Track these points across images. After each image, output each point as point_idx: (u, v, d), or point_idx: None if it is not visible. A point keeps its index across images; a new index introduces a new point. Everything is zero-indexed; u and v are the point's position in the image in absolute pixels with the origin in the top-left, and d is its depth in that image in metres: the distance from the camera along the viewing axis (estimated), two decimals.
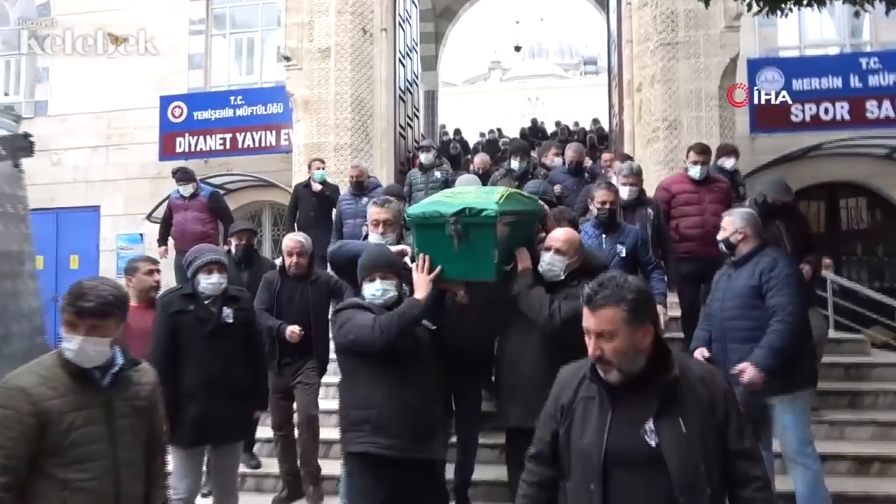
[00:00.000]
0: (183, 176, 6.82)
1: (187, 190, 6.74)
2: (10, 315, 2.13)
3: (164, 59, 10.44)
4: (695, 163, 5.21)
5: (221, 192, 10.40)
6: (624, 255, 4.41)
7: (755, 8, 5.04)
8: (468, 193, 3.10)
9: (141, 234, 10.56)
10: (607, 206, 4.48)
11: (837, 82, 8.59)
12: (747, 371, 3.38)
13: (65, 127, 11.03)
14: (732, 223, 3.76)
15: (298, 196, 7.11)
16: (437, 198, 3.08)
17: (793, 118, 8.63)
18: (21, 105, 11.42)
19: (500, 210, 2.72)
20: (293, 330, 4.20)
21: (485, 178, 6.50)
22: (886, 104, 8.47)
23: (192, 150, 10.21)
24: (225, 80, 11.10)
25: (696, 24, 7.07)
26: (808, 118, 8.62)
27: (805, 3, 4.93)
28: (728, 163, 6.12)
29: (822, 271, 5.29)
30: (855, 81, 8.55)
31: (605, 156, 7.61)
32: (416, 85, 10.45)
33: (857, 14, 5.05)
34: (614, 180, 5.23)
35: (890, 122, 8.49)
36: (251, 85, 10.88)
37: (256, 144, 10.02)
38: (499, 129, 16.99)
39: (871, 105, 8.49)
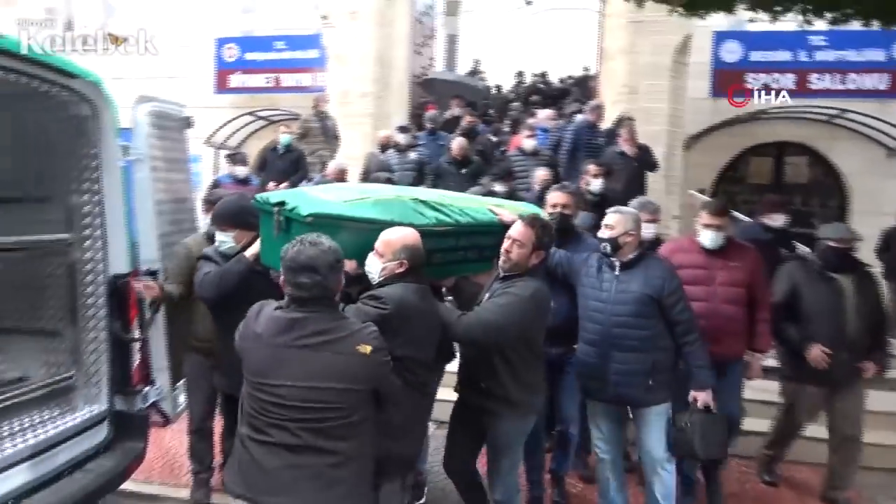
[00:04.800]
0: (242, 158, 7.33)
1: (243, 171, 7.10)
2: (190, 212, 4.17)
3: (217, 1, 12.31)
4: (707, 226, 3.81)
5: (265, 122, 12.47)
6: None
7: (679, 11, 6.66)
8: (348, 191, 3.16)
9: (198, 155, 12.62)
10: (559, 209, 3.81)
11: (787, 55, 10.07)
12: (701, 398, 3.31)
13: (131, 58, 12.84)
14: (623, 222, 3.39)
15: (266, 159, 7.80)
16: (308, 189, 3.28)
17: (747, 85, 10.15)
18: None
19: (314, 212, 2.63)
20: None
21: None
22: (828, 77, 9.95)
23: (243, 86, 12.12)
24: (269, 25, 12.81)
25: (659, 6, 8.52)
26: (760, 85, 10.13)
27: (716, 7, 6.53)
28: (777, 220, 4.98)
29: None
30: (803, 56, 10.02)
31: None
32: (433, 38, 12.07)
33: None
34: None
35: (830, 92, 10.00)
36: (290, 31, 12.58)
37: (296, 84, 11.84)
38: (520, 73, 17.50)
39: (814, 77, 9.98)
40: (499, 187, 5.72)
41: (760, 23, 10.66)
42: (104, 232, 3.35)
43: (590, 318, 3.42)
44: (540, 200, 5.58)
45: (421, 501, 3.98)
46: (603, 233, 3.43)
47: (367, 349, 2.25)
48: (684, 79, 9.06)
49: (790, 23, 9.87)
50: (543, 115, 8.95)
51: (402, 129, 7.47)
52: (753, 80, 10.16)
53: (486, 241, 3.13)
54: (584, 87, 14.31)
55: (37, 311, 3.50)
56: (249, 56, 12.05)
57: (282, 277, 2.28)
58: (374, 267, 2.72)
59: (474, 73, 16.42)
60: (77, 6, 13.45)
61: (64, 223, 3.36)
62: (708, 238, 3.80)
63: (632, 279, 3.33)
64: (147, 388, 3.45)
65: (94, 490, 3.02)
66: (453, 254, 3.21)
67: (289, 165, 7.89)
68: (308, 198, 2.86)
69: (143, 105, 3.58)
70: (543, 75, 16.12)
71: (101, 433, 3.30)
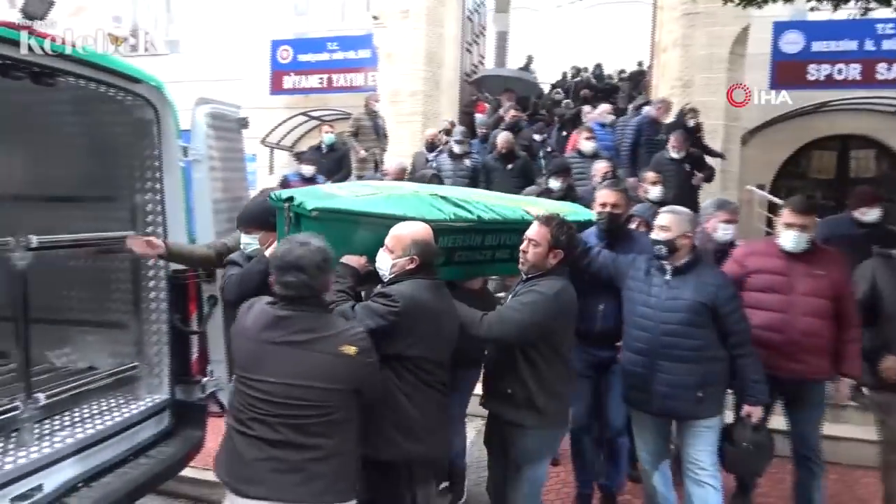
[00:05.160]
0: (308, 157, 7.53)
1: (309, 170, 7.22)
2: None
3: (271, 5, 12.66)
4: (789, 226, 3.34)
5: (318, 122, 12.71)
6: None
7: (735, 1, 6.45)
8: (363, 187, 3.18)
9: (254, 155, 12.99)
10: (608, 209, 3.52)
11: (853, 45, 9.63)
12: (755, 413, 3.11)
13: (190, 62, 13.32)
14: (678, 223, 3.13)
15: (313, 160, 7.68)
16: (323, 186, 3.32)
17: (808, 77, 9.78)
18: (160, 42, 13.81)
19: (319, 206, 2.60)
20: None
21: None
22: None
23: (296, 87, 12.38)
24: (321, 27, 13.06)
25: None
26: (822, 77, 9.75)
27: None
28: (871, 215, 4.50)
29: None
30: (869, 45, 9.57)
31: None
32: (483, 35, 12.06)
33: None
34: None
35: None
36: (343, 32, 12.78)
37: (348, 84, 12.03)
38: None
39: (881, 67, 9.53)
40: (554, 183, 5.46)
41: (823, 11, 10.32)
42: (165, 229, 3.51)
43: (636, 325, 3.19)
44: None
45: (462, 500, 3.98)
46: (657, 234, 3.16)
47: (352, 350, 2.26)
48: (741, 71, 8.80)
49: (854, 10, 9.47)
50: (602, 110, 8.66)
51: (459, 142, 7.23)
52: (815, 72, 9.78)
53: (520, 241, 3.01)
54: (635, 83, 14.05)
55: (103, 304, 3.70)
56: (303, 57, 12.31)
57: (271, 276, 2.31)
58: (385, 263, 2.65)
59: (526, 69, 16.30)
60: (141, 13, 14.02)
61: (129, 221, 3.54)
62: (790, 240, 3.34)
63: (683, 285, 3.08)
64: (205, 379, 3.58)
65: (155, 475, 3.17)
66: (479, 252, 3.12)
67: (333, 164, 8.08)
68: (317, 193, 2.86)
69: (202, 107, 3.72)
70: (598, 67, 15.88)
71: (162, 421, 3.47)
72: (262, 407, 2.21)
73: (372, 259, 2.70)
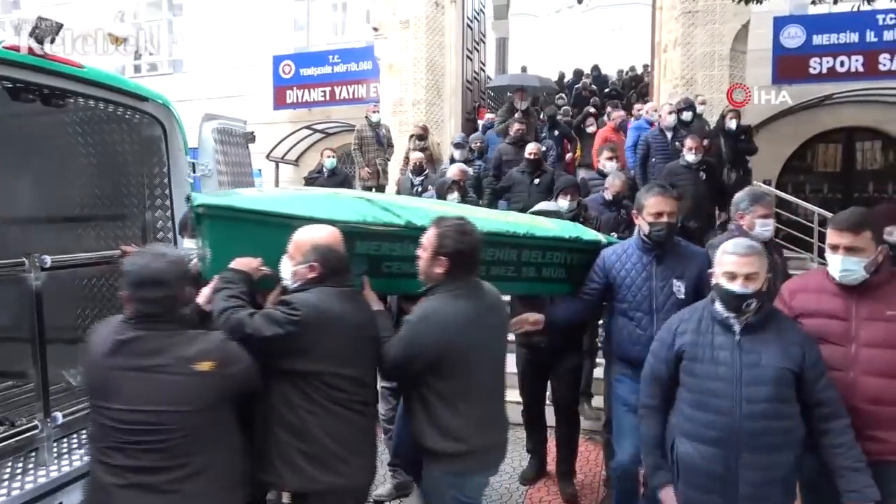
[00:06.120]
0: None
1: None
2: None
3: (272, 21, 12.76)
4: (834, 248, 2.45)
5: (321, 135, 12.78)
6: (683, 294, 2.96)
7: None
8: (278, 191, 3.02)
9: (259, 170, 13.07)
10: (664, 218, 2.98)
11: (854, 37, 9.63)
12: None
13: (194, 80, 13.47)
14: (764, 266, 2.36)
15: (312, 183, 7.93)
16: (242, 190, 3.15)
17: (811, 70, 9.78)
18: (163, 63, 14.01)
19: (206, 203, 2.37)
20: None
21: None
22: None
23: (299, 101, 12.47)
24: (322, 40, 13.16)
25: None
26: (825, 70, 9.75)
27: None
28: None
29: None
30: (870, 36, 9.56)
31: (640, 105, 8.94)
32: (484, 42, 12.12)
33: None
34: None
35: None
36: (343, 44, 12.87)
37: (350, 96, 12.11)
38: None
39: (883, 58, 9.51)
40: (562, 202, 4.82)
41: (823, 5, 10.29)
42: (176, 245, 3.53)
43: (704, 406, 2.35)
44: (609, 208, 5.24)
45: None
46: (742, 286, 2.30)
47: (207, 366, 2.08)
48: (742, 67, 8.82)
49: (855, 1, 9.39)
50: (649, 107, 8.22)
51: (458, 146, 7.09)
52: (818, 65, 9.78)
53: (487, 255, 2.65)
54: (639, 91, 14.01)
55: None
56: (305, 71, 12.41)
57: (124, 293, 2.13)
58: (286, 271, 2.39)
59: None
60: (146, 34, 14.16)
61: (140, 238, 3.56)
62: (837, 267, 2.42)
63: (761, 347, 2.30)
64: None
65: None
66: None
67: (335, 187, 8.05)
68: (218, 193, 2.77)
69: (209, 123, 3.76)
70: (595, 68, 15.93)
71: None
72: (117, 436, 2.04)
73: (271, 263, 2.44)
